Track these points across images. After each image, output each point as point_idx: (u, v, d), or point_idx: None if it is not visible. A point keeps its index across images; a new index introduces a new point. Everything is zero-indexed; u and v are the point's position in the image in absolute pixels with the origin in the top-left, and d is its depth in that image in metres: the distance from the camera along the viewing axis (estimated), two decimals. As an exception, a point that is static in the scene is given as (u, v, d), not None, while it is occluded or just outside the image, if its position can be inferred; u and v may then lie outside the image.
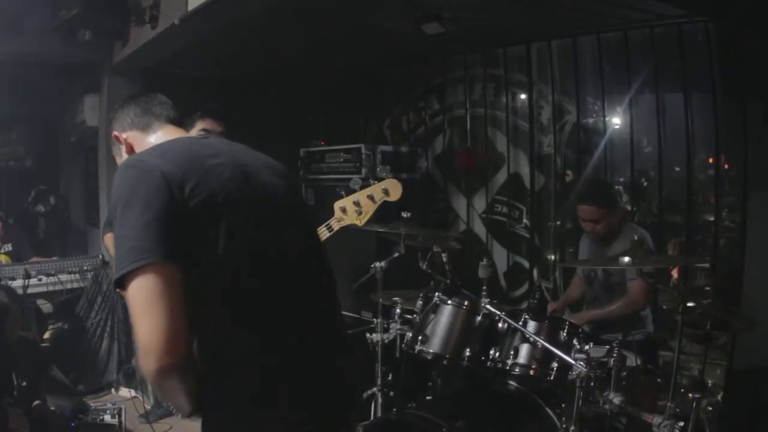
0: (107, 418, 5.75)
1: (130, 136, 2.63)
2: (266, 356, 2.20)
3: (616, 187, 6.94)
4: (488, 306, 4.34)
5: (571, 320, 4.95)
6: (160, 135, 2.58)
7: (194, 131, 4.40)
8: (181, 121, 2.72)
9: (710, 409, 5.68)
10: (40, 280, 7.04)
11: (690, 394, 3.99)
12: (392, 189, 4.33)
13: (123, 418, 5.86)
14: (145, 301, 1.95)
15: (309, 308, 2.38)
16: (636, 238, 4.49)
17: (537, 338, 4.12)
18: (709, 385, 5.83)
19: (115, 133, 2.67)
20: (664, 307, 5.48)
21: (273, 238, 2.32)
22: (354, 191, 4.58)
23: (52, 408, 5.42)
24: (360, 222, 4.34)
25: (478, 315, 4.38)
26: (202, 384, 2.16)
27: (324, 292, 2.52)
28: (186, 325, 1.99)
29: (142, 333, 1.94)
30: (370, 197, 4.25)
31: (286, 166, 2.65)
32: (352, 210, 4.31)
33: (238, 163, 2.34)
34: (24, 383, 5.27)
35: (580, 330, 4.37)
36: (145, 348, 1.93)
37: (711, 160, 6.13)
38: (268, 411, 2.18)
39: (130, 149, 2.62)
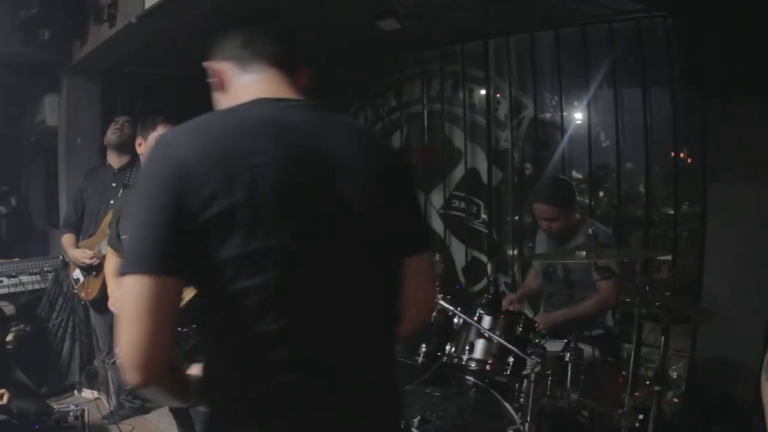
0: (70, 419, 5.71)
1: (224, 68, 2.20)
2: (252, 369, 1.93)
3: (575, 177, 6.97)
4: (441, 302, 4.34)
5: (543, 321, 5.00)
6: (254, 80, 2.16)
7: (151, 139, 4.28)
8: (289, 60, 2.22)
9: (676, 401, 5.72)
10: (1, 282, 6.99)
11: (652, 387, 4.02)
12: None
13: (86, 420, 5.82)
14: (129, 311, 1.79)
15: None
16: (590, 231, 4.50)
17: (492, 334, 4.12)
18: (675, 377, 5.87)
19: (208, 62, 2.24)
20: (626, 300, 5.51)
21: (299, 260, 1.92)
22: None
23: (15, 411, 5.38)
24: None
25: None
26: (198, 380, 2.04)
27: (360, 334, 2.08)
28: (170, 341, 1.84)
29: (123, 342, 1.81)
30: None
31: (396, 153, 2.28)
32: None
33: (297, 164, 1.93)
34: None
35: (536, 324, 4.39)
36: (123, 358, 1.82)
37: (672, 154, 6.15)
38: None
39: (221, 85, 2.21)
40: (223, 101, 2.22)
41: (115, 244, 4.50)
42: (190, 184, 1.79)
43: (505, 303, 5.78)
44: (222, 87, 2.22)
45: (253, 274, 1.85)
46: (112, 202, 6.26)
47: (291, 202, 1.89)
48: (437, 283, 2.53)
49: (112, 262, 4.68)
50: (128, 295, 1.79)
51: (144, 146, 4.36)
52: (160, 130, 4.24)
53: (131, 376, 1.82)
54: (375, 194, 2.07)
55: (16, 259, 7.49)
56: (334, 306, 1.99)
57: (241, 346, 1.92)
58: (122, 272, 1.80)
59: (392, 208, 2.13)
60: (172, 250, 1.80)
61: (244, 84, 2.16)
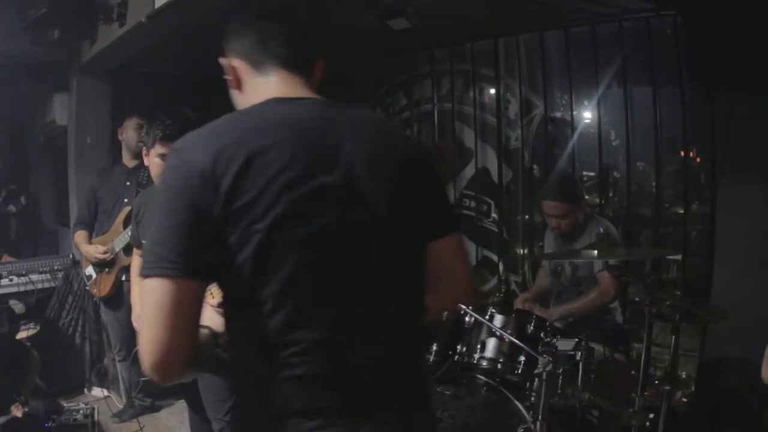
0: (80, 418, 5.73)
1: (239, 66, 2.19)
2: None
3: (585, 176, 6.98)
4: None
5: (543, 316, 4.99)
6: (268, 82, 2.16)
7: (152, 155, 4.33)
8: (303, 60, 2.22)
9: (684, 400, 5.72)
10: (11, 280, 7.00)
11: (662, 386, 4.03)
12: None
13: (96, 418, 5.84)
14: (151, 311, 1.83)
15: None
16: (601, 230, 4.51)
17: (503, 332, 4.13)
18: (684, 376, 5.87)
19: (224, 58, 2.23)
20: (636, 299, 5.51)
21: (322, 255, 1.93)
22: None
23: (26, 409, 5.40)
24: None
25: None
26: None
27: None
28: (190, 342, 1.88)
29: (143, 341, 1.84)
30: None
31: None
32: None
33: (314, 160, 1.93)
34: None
35: (547, 323, 4.39)
36: (142, 356, 1.85)
37: (682, 153, 6.16)
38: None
39: (237, 83, 2.21)
40: (239, 100, 2.23)
41: (139, 244, 4.51)
42: (207, 185, 1.81)
43: (518, 302, 5.79)
44: (237, 86, 2.22)
45: (272, 271, 1.86)
46: (126, 200, 6.28)
47: (309, 198, 1.89)
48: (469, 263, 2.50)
49: (137, 262, 4.67)
50: (149, 297, 1.82)
51: (148, 160, 4.44)
52: (158, 150, 4.29)
53: (150, 374, 1.85)
54: (395, 184, 2.08)
55: (6, 258, 7.51)
56: (358, 301, 2.00)
57: (261, 343, 1.92)
58: (143, 274, 1.83)
59: (415, 195, 2.14)
60: (193, 252, 1.82)
61: (258, 85, 2.17)
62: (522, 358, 4.11)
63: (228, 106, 2.20)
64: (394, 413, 2.04)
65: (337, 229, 1.94)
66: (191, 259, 1.82)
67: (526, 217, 7.40)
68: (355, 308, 1.99)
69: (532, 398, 4.10)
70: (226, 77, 2.24)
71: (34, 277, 7.14)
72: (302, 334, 1.89)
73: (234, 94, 2.26)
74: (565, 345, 4.30)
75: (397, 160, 2.12)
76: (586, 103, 6.84)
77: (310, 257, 1.90)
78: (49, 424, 5.53)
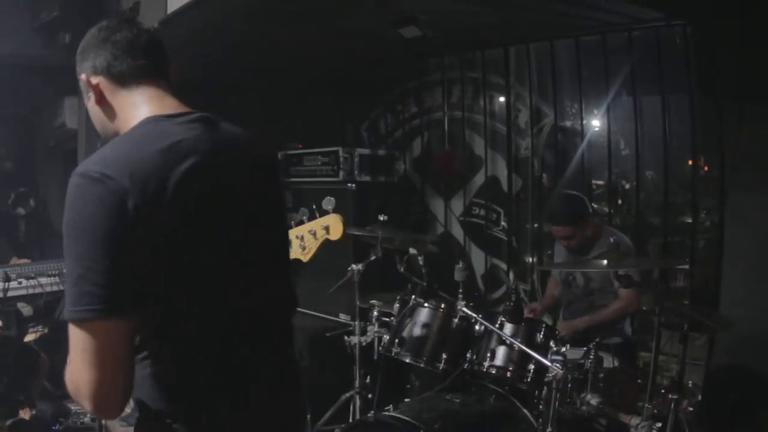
0: (87, 421, 5.74)
1: (101, 82, 2.15)
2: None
3: (595, 185, 6.97)
4: (464, 309, 4.36)
5: (566, 328, 5.03)
6: (138, 95, 2.13)
7: None
8: (161, 68, 2.22)
9: (690, 409, 5.71)
10: (20, 283, 6.98)
11: (669, 395, 4.03)
12: (333, 226, 3.61)
13: (103, 422, 5.84)
14: (83, 353, 1.79)
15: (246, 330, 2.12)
16: (612, 240, 4.51)
17: (513, 341, 4.13)
18: (690, 385, 5.86)
19: (83, 75, 2.18)
20: (644, 308, 5.51)
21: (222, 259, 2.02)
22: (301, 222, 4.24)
23: (33, 412, 5.41)
24: (305, 258, 3.76)
25: (455, 317, 4.40)
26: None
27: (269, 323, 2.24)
28: (126, 376, 1.86)
29: (80, 380, 1.82)
30: (312, 233, 3.63)
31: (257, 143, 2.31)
32: (296, 245, 3.88)
33: (210, 180, 1.98)
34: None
35: (556, 332, 4.40)
36: (81, 395, 1.84)
37: (691, 162, 6.15)
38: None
39: (100, 99, 2.16)
40: (101, 116, 2.21)
41: None
42: (140, 219, 1.78)
43: (526, 311, 5.81)
44: (100, 102, 2.18)
45: (195, 295, 1.94)
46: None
47: (227, 219, 2.03)
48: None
49: None
50: (80, 340, 1.80)
51: None
52: None
53: (91, 410, 1.88)
54: (272, 197, 2.34)
55: (15, 261, 7.50)
56: (260, 308, 2.16)
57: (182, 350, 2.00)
58: (73, 316, 1.78)
59: (280, 204, 2.41)
60: (127, 291, 1.79)
61: (125, 99, 2.15)
62: (531, 367, 4.12)
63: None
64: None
65: (245, 246, 2.10)
66: (126, 298, 1.79)
67: (536, 225, 7.38)
68: (264, 314, 2.19)
69: (541, 406, 4.11)
70: (87, 93, 2.21)
71: (43, 279, 7.12)
72: (225, 346, 2.04)
73: (95, 110, 2.22)
74: (574, 354, 4.31)
75: (269, 174, 2.36)
76: (595, 111, 6.83)
77: (226, 277, 2.02)
78: (56, 427, 5.54)
